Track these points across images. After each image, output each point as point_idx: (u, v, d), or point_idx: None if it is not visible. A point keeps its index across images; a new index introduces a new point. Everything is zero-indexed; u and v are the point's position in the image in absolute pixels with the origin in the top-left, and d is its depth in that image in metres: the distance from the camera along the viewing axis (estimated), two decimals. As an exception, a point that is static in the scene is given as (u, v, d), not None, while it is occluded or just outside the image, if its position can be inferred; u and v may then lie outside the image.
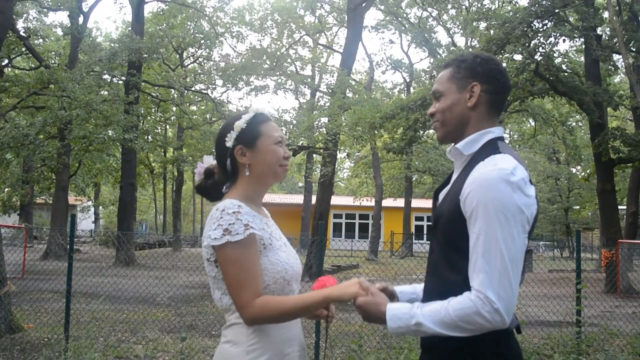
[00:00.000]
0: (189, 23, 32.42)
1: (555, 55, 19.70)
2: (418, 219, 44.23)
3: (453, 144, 2.07)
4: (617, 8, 17.45)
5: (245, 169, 2.12)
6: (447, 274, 1.92)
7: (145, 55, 23.02)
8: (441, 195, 2.09)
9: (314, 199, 27.77)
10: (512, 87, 17.75)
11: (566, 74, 19.74)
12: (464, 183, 1.89)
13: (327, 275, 2.19)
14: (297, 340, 2.11)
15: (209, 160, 2.26)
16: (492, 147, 1.95)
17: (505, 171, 1.82)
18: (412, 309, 1.86)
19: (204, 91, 30.24)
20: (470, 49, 24.63)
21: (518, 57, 18.03)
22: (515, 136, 44.47)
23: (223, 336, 2.09)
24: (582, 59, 22.21)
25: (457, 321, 1.77)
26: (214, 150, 2.25)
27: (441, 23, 35.70)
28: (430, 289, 2.03)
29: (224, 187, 2.20)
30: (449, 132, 2.07)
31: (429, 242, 2.14)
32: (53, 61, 28.06)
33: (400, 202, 40.52)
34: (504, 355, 1.89)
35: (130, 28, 25.96)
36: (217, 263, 2.02)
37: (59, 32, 30.92)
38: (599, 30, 18.85)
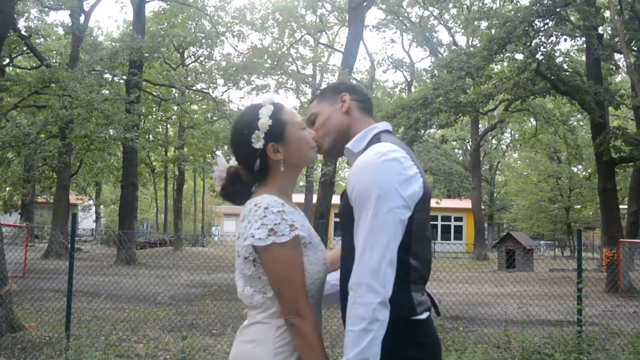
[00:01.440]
0: (190, 22, 32.48)
1: (557, 54, 19.70)
2: (419, 218, 44.17)
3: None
4: (619, 7, 17.42)
5: (279, 165, 2.05)
6: (352, 262, 1.93)
7: (146, 55, 23.02)
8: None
9: (315, 198, 27.78)
10: (513, 87, 17.80)
11: (567, 73, 19.71)
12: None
13: None
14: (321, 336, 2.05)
15: (223, 162, 2.13)
16: (375, 140, 2.06)
17: (378, 153, 1.92)
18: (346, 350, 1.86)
19: (205, 90, 30.30)
20: (472, 48, 24.58)
21: (519, 56, 18.00)
22: (517, 135, 44.51)
23: (243, 334, 2.03)
24: (584, 58, 22.19)
25: (361, 326, 1.80)
26: (232, 152, 2.14)
27: (442, 22, 35.76)
28: (343, 277, 2.05)
29: (254, 187, 2.11)
30: (335, 140, 2.17)
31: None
32: (54, 60, 28.07)
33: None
34: (422, 344, 1.93)
35: (131, 27, 26.01)
36: (256, 262, 1.95)
37: (60, 31, 31.03)
38: (600, 30, 18.83)
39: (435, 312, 2.07)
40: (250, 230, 1.91)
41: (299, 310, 1.89)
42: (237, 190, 2.10)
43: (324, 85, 31.22)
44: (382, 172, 1.88)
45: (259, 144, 2.02)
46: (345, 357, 1.83)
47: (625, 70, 18.54)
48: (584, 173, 38.75)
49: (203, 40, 32.62)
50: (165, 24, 31.66)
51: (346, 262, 1.99)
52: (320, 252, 2.04)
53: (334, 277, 2.26)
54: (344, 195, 2.03)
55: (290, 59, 33.25)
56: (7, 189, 28.82)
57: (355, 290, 1.83)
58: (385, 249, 1.83)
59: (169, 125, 39.01)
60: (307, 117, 2.23)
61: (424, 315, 1.95)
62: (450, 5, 32.97)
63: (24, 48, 26.49)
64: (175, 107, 31.85)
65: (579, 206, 41.59)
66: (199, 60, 36.22)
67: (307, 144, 2.10)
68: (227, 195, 2.12)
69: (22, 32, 25.08)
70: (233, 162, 2.14)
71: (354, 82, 2.50)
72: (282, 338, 1.94)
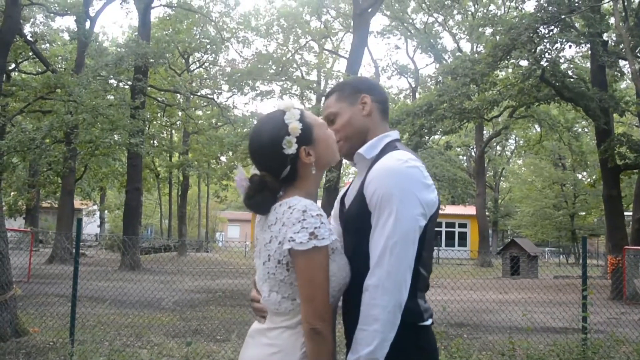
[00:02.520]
0: (195, 28, 32.61)
1: (561, 61, 19.67)
2: (423, 224, 44.12)
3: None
4: (624, 14, 17.42)
5: (310, 168, 2.01)
6: (363, 267, 1.95)
7: (151, 60, 23.10)
8: (347, 201, 2.18)
9: (319, 204, 27.75)
10: (517, 93, 17.80)
11: (572, 80, 19.71)
12: (366, 181, 2.01)
13: None
14: (335, 345, 2.03)
15: (243, 172, 2.08)
16: (390, 148, 2.09)
17: (400, 160, 1.96)
18: (353, 348, 1.91)
19: (209, 96, 30.38)
20: (476, 55, 24.61)
21: (524, 63, 18.03)
22: (521, 142, 44.42)
23: (264, 337, 1.96)
24: (588, 65, 22.17)
25: (375, 326, 1.85)
26: (256, 160, 2.06)
27: (447, 29, 35.77)
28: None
29: (280, 193, 2.04)
30: (354, 146, 2.17)
31: None
32: (60, 66, 28.22)
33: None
34: (424, 348, 1.98)
35: (136, 33, 26.07)
36: (289, 267, 1.90)
37: (66, 36, 31.10)
38: (605, 36, 18.81)
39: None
40: (289, 233, 1.86)
41: (325, 316, 1.87)
42: (265, 198, 2.00)
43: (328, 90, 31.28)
44: (405, 178, 1.92)
45: (291, 150, 1.97)
46: (355, 355, 1.87)
47: (630, 77, 18.53)
48: (588, 180, 38.65)
49: (208, 46, 32.72)
50: (171, 29, 31.78)
51: (354, 265, 2.00)
52: (345, 257, 2.01)
53: None
54: (356, 200, 2.05)
55: (294, 65, 33.33)
56: (12, 193, 28.85)
57: (371, 291, 1.86)
58: (406, 254, 1.87)
59: (173, 131, 39.07)
60: (325, 115, 2.22)
61: (429, 322, 2.01)
62: (455, 11, 33.02)
63: (30, 53, 26.64)
64: (180, 113, 31.95)
65: (583, 213, 41.50)
66: (203, 66, 36.34)
67: (335, 142, 2.10)
68: (255, 204, 2.02)
69: (28, 37, 25.23)
70: (254, 170, 2.06)
71: (371, 80, 2.28)
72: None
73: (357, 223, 2.02)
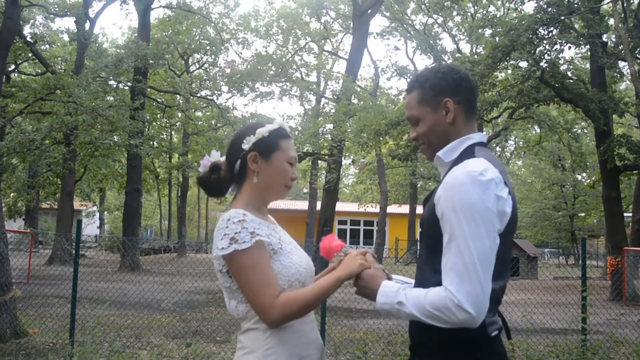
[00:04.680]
0: (194, 29, 32.61)
1: (561, 62, 19.68)
2: (423, 225, 44.13)
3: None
4: (623, 15, 17.42)
5: (253, 176, 2.12)
6: (429, 275, 1.96)
7: (151, 61, 23.10)
8: (427, 204, 2.15)
9: (318, 205, 27.73)
10: (517, 94, 17.81)
11: (571, 81, 19.73)
12: (439, 188, 1.97)
13: (328, 235, 2.25)
14: (314, 342, 2.11)
15: (216, 156, 2.26)
16: (468, 153, 2.01)
17: (474, 172, 1.86)
18: (400, 289, 1.92)
19: (209, 97, 30.36)
20: (476, 56, 24.61)
21: (523, 64, 18.02)
22: (521, 143, 44.41)
23: (239, 341, 2.09)
24: (588, 66, 22.20)
25: (431, 310, 1.82)
26: (226, 147, 2.25)
27: (446, 30, 35.75)
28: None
29: (230, 189, 2.23)
30: (436, 150, 2.11)
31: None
32: (59, 67, 28.20)
33: (405, 209, 40.51)
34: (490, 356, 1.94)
35: (136, 34, 26.07)
36: (230, 273, 2.02)
37: (66, 38, 31.13)
38: (604, 38, 18.84)
39: (506, 334, 2.06)
40: (217, 242, 2.00)
41: (273, 311, 1.95)
42: (212, 180, 2.21)
43: (328, 93, 31.29)
44: (477, 194, 1.83)
45: (245, 146, 2.12)
46: (403, 305, 1.88)
47: (630, 78, 18.53)
48: (588, 181, 38.64)
49: (207, 47, 32.74)
50: (170, 30, 31.77)
51: (423, 277, 2.01)
52: (295, 256, 2.10)
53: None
54: (430, 206, 2.02)
55: (294, 66, 33.25)
56: (12, 194, 28.88)
57: (450, 301, 1.80)
58: (487, 275, 1.82)
59: (173, 132, 39.09)
60: (407, 117, 2.16)
61: (494, 334, 1.95)
62: (455, 13, 33.00)
63: (30, 54, 26.65)
64: (179, 114, 31.94)
65: (583, 214, 41.52)
66: (203, 67, 36.32)
67: (284, 178, 2.15)
68: (202, 182, 2.24)
69: (28, 38, 25.24)
70: (222, 159, 2.25)
71: (456, 71, 2.11)
72: (269, 341, 2.00)
73: (429, 229, 1.99)
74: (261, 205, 2.17)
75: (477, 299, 1.78)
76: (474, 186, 1.84)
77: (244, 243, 1.96)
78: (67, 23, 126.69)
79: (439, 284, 1.87)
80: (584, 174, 42.48)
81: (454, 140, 2.07)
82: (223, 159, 2.24)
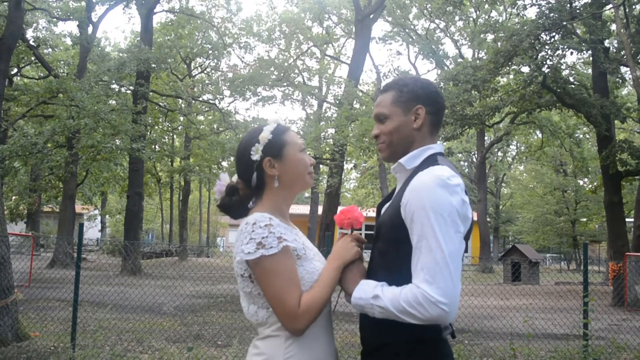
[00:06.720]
0: (197, 33, 32.63)
1: (563, 67, 19.73)
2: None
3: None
4: (625, 21, 17.44)
5: (274, 181, 2.10)
6: (385, 277, 1.99)
7: (153, 65, 23.12)
8: (383, 209, 2.20)
9: (320, 210, 27.76)
10: (519, 99, 17.82)
11: (573, 86, 19.73)
12: (405, 192, 2.00)
13: (349, 207, 2.27)
14: (331, 349, 2.12)
15: (226, 178, 2.21)
16: (431, 160, 2.07)
17: (442, 176, 1.93)
18: (377, 286, 1.96)
19: (211, 101, 30.34)
20: (478, 61, 24.64)
21: (525, 69, 18.06)
22: (523, 148, 44.43)
23: (254, 347, 2.05)
24: (590, 71, 22.22)
25: (404, 306, 1.85)
26: (235, 166, 2.21)
27: (449, 35, 35.83)
28: None
29: (250, 203, 2.17)
30: (395, 152, 2.17)
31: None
32: (62, 70, 28.26)
33: (406, 213, 40.44)
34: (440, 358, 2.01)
35: (138, 38, 26.10)
36: (252, 278, 2.00)
37: (68, 41, 31.18)
38: (606, 43, 18.85)
39: (451, 335, 2.12)
40: (242, 246, 1.96)
41: (298, 318, 1.94)
42: (233, 203, 2.15)
43: (330, 97, 31.30)
44: (447, 196, 1.90)
45: (256, 157, 2.09)
46: (379, 299, 1.91)
47: (632, 83, 18.54)
48: (589, 186, 38.67)
49: (210, 52, 32.75)
50: (173, 35, 31.81)
51: (379, 271, 2.05)
52: (318, 262, 2.08)
53: None
54: (392, 210, 2.06)
55: (296, 71, 33.32)
56: (14, 198, 28.91)
57: (423, 297, 1.83)
58: (457, 272, 1.87)
59: (175, 136, 39.08)
60: (376, 113, 2.21)
61: (446, 336, 2.04)
62: (457, 18, 33.07)
63: (32, 58, 26.72)
64: (181, 118, 31.93)
65: (584, 219, 41.48)
66: (205, 72, 36.36)
67: (305, 167, 2.15)
68: (224, 207, 2.18)
69: (31, 42, 25.29)
70: (235, 178, 2.21)
71: (433, 86, 2.16)
72: (290, 349, 1.97)
73: (390, 233, 2.04)
74: (285, 207, 2.16)
75: (450, 295, 1.83)
76: (443, 189, 1.91)
77: (272, 248, 1.93)
78: (70, 27, 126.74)
79: (397, 284, 1.93)
80: (586, 179, 42.51)
81: (414, 146, 2.13)
82: (235, 178, 2.21)
